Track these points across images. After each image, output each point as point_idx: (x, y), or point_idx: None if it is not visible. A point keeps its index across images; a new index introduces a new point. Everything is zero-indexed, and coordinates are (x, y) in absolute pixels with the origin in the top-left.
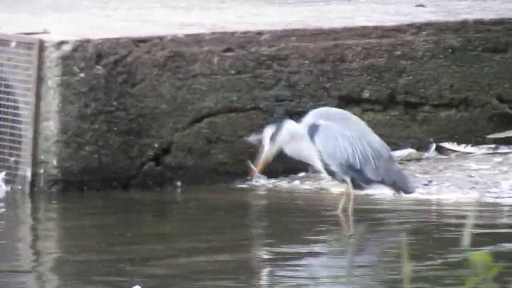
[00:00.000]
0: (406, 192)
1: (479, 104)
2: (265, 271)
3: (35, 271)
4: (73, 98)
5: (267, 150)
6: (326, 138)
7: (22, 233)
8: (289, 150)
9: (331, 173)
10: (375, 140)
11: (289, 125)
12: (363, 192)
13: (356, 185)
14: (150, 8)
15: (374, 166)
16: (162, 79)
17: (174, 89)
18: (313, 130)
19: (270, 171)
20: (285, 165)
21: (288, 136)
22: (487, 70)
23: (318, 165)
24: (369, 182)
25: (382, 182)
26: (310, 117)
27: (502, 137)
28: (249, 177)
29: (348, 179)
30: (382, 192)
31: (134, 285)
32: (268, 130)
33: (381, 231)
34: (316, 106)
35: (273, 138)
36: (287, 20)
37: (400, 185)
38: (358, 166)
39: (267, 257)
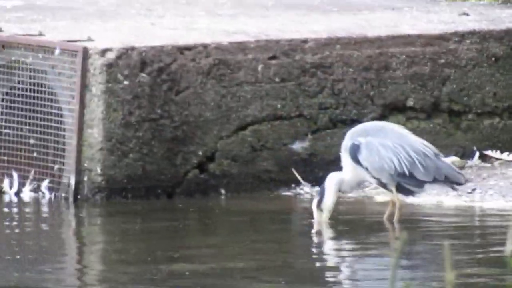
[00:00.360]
0: (459, 183)
1: None
2: (313, 282)
3: (80, 283)
4: (117, 105)
5: (318, 219)
6: (369, 154)
7: (66, 243)
8: (345, 191)
9: (383, 185)
10: (417, 141)
11: (329, 182)
12: (407, 200)
13: (406, 191)
14: (195, 16)
15: (422, 168)
16: (206, 86)
17: (219, 97)
18: (354, 150)
19: (314, 179)
20: (328, 173)
21: (334, 194)
22: None
23: (372, 180)
24: (421, 184)
25: (434, 181)
26: (348, 139)
27: None
28: (293, 185)
29: (393, 187)
30: (425, 200)
31: None
32: (314, 201)
33: (425, 238)
34: (360, 114)
35: (319, 205)
36: (331, 28)
37: (452, 179)
38: (407, 173)
39: (313, 266)
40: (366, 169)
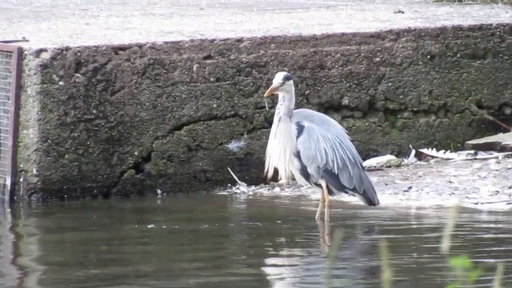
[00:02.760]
0: (371, 203)
1: (458, 110)
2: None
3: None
4: (52, 106)
5: (277, 82)
6: (308, 139)
7: (1, 245)
8: (282, 109)
9: (305, 176)
10: (353, 147)
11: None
12: (340, 198)
13: (328, 191)
14: (129, 15)
15: (350, 174)
16: (141, 87)
17: (154, 97)
18: (298, 129)
19: (250, 178)
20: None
21: (292, 87)
22: (466, 76)
23: (296, 165)
24: (341, 188)
25: (353, 190)
26: (295, 117)
27: (481, 143)
28: (229, 184)
29: (323, 184)
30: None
31: None
32: (283, 73)
33: (360, 237)
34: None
35: (287, 77)
36: (266, 27)
37: (368, 196)
38: (335, 172)
39: (251, 262)
40: (298, 152)
